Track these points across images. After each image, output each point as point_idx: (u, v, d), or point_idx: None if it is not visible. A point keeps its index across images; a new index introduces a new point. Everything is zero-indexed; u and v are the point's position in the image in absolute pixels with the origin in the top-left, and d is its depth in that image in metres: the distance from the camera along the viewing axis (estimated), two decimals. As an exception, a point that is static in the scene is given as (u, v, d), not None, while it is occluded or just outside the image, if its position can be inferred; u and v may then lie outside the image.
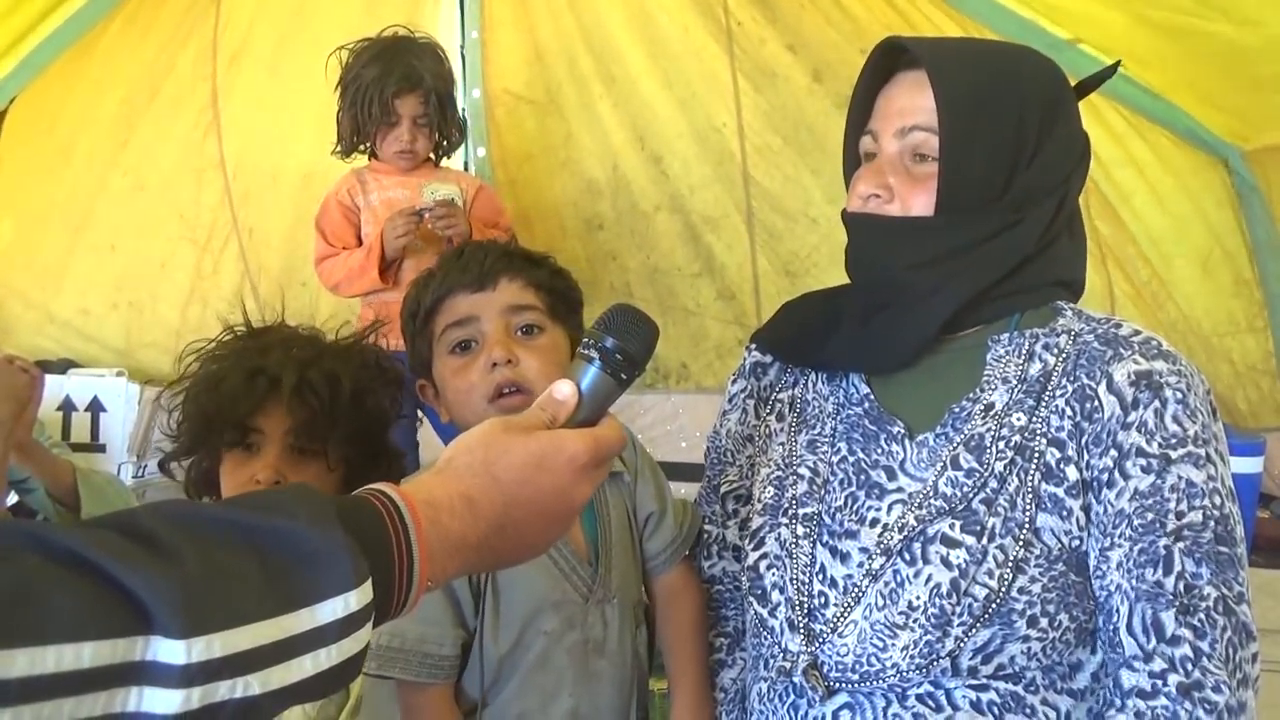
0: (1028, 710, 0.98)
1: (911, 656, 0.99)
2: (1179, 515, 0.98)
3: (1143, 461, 0.99)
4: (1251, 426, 3.20)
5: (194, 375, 1.30)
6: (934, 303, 1.08)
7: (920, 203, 1.06)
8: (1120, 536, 0.99)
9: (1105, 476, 1.01)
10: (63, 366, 3.51)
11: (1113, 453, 1.00)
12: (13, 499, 1.97)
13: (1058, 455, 1.01)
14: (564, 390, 0.80)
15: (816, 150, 3.25)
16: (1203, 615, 0.95)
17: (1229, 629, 0.95)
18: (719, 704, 1.24)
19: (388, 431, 1.38)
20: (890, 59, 1.12)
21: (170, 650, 0.50)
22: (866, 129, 1.13)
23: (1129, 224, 3.10)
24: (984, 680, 0.99)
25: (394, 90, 2.53)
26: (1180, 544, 0.97)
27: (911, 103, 1.07)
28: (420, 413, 2.51)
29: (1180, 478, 0.98)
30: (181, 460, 1.33)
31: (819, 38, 3.18)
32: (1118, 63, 1.23)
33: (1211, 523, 0.97)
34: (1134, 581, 0.98)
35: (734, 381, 1.32)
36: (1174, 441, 0.99)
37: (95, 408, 3.39)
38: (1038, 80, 1.10)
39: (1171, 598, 0.96)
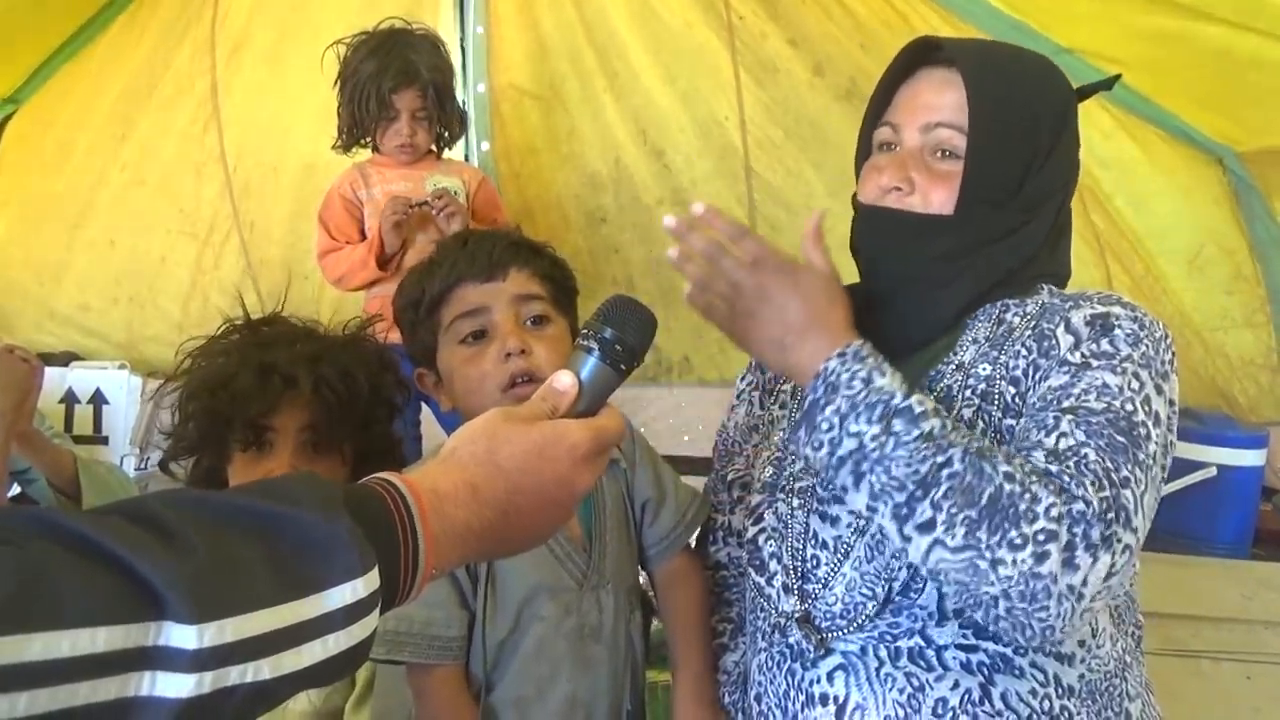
0: (1016, 671, 0.99)
1: (897, 594, 1.01)
2: (1079, 399, 0.96)
3: (1063, 368, 1.00)
4: (1251, 421, 3.21)
5: (194, 372, 1.29)
6: (944, 297, 1.10)
7: (939, 198, 1.08)
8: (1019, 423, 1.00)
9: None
10: (65, 359, 3.52)
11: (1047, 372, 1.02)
12: (14, 490, 1.98)
13: (1013, 391, 1.03)
14: (564, 381, 0.81)
15: (818, 143, 3.26)
16: (1074, 465, 0.92)
17: (1104, 491, 0.90)
18: (721, 685, 1.26)
19: (394, 422, 1.38)
20: (916, 54, 1.13)
21: (182, 635, 0.51)
22: (885, 120, 1.15)
23: (1121, 220, 3.11)
24: (973, 640, 1.00)
25: (391, 85, 2.53)
26: (1070, 416, 0.95)
27: (937, 99, 1.09)
28: (424, 404, 2.55)
29: (1096, 378, 0.97)
30: (183, 459, 1.32)
31: (819, 32, 3.19)
32: (1118, 75, 1.25)
33: (1110, 414, 0.95)
34: (1017, 444, 0.98)
35: (742, 377, 1.35)
36: (1100, 354, 0.99)
37: (98, 400, 3.40)
38: (1054, 87, 1.12)
39: (1046, 453, 0.94)
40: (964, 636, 1.00)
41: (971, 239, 1.08)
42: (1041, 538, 0.87)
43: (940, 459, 0.91)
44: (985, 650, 0.99)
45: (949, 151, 1.08)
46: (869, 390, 0.95)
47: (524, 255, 1.24)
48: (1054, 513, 0.88)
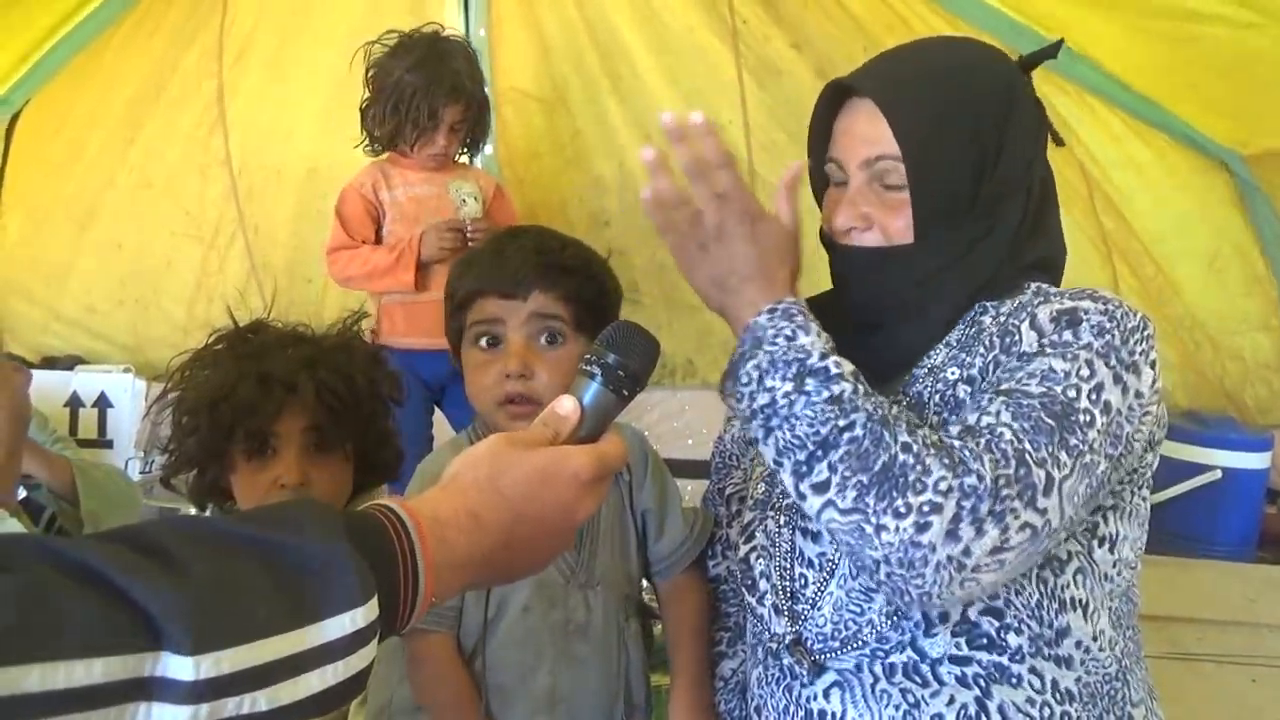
0: (1014, 680, 0.98)
1: (887, 614, 1.01)
2: (1019, 382, 0.96)
3: (1020, 359, 0.99)
4: (1260, 423, 3.21)
5: (187, 386, 1.30)
6: (925, 321, 1.09)
7: (898, 227, 1.07)
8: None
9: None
10: (70, 363, 3.53)
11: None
12: (21, 493, 1.99)
13: (967, 390, 1.03)
14: (566, 406, 0.81)
15: (821, 147, 3.24)
16: (982, 442, 0.91)
17: (1007, 468, 0.89)
18: (718, 692, 1.28)
19: (390, 418, 1.40)
20: (842, 87, 1.12)
21: (179, 666, 0.51)
22: (829, 157, 1.14)
23: (1131, 222, 3.10)
24: (967, 651, 0.99)
25: (443, 101, 2.54)
26: (1003, 398, 0.95)
27: (872, 131, 1.07)
28: (437, 406, 2.57)
29: (1043, 364, 0.96)
30: (185, 472, 1.33)
31: (822, 35, 3.18)
32: (1060, 41, 1.23)
33: (1046, 399, 0.93)
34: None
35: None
36: (1058, 344, 0.98)
37: (102, 403, 3.40)
38: (988, 82, 1.09)
39: (962, 428, 0.94)
40: (957, 647, 0.99)
41: (939, 260, 1.07)
42: (926, 509, 0.88)
43: (843, 423, 0.93)
44: (979, 661, 0.99)
45: (894, 182, 1.06)
46: (790, 348, 0.97)
47: (551, 277, 1.24)
48: (942, 486, 0.89)
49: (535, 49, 3.36)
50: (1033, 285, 1.10)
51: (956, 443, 0.92)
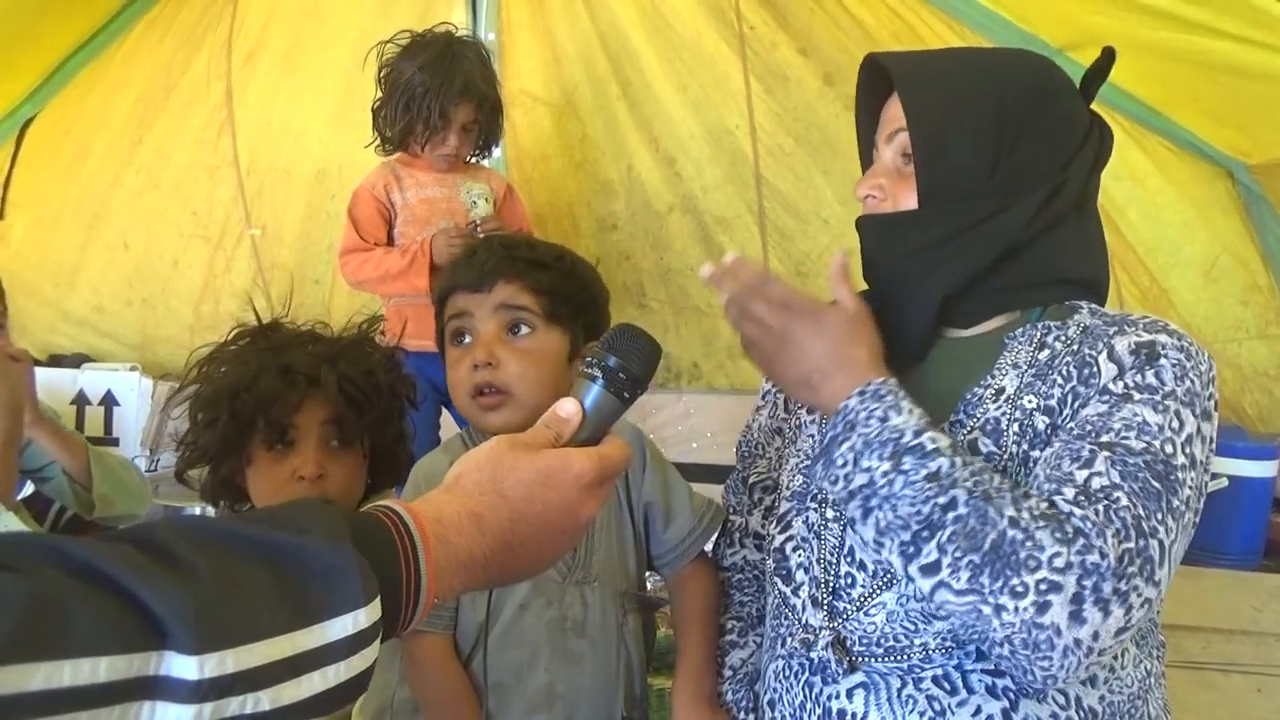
0: (1042, 694, 0.98)
1: (943, 638, 1.00)
2: (1118, 435, 0.94)
3: (1103, 397, 0.99)
4: (1261, 432, 3.20)
5: (207, 380, 1.31)
6: (925, 290, 1.10)
7: (908, 199, 1.10)
8: (1050, 447, 0.99)
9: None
10: (76, 360, 3.54)
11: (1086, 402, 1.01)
12: (29, 489, 2.00)
13: (1046, 422, 1.02)
14: (568, 408, 0.81)
15: (828, 151, 3.26)
16: (1102, 510, 0.89)
17: (1129, 542, 0.88)
18: (726, 680, 1.27)
19: (405, 417, 1.41)
20: (886, 76, 1.15)
21: (183, 666, 0.51)
22: (874, 140, 1.17)
23: (1125, 233, 3.10)
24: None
25: (455, 102, 2.55)
26: (1106, 453, 0.93)
27: (899, 110, 1.11)
28: (445, 407, 2.57)
29: (1135, 414, 0.95)
30: (201, 466, 1.34)
31: (829, 41, 3.19)
32: (1111, 51, 1.22)
33: (1149, 456, 0.92)
34: (1046, 472, 0.96)
35: (766, 379, 1.35)
36: (1144, 387, 0.97)
37: (109, 401, 3.41)
38: (1018, 74, 1.11)
39: (1077, 490, 0.92)
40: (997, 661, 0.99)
41: (940, 231, 1.09)
42: (1044, 587, 0.87)
43: (944, 500, 0.92)
44: (1013, 675, 0.99)
45: (909, 155, 1.10)
46: (884, 428, 0.97)
47: (517, 268, 1.27)
48: (1058, 563, 0.87)
49: (546, 53, 3.37)
50: (1086, 305, 1.11)
51: (1076, 510, 0.90)
